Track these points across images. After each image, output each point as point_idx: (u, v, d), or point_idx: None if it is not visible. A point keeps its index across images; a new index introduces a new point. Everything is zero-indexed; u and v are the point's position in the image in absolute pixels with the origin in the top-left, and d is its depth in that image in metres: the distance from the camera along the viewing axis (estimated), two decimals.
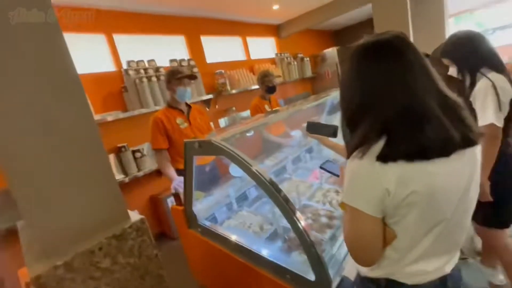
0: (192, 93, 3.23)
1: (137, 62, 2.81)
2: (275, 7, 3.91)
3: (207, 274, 1.62)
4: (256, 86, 3.40)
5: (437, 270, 0.69)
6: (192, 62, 3.32)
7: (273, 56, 4.85)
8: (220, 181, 1.98)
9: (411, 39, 3.54)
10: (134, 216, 0.60)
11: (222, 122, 3.81)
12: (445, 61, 1.38)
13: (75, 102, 0.51)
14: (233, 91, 3.74)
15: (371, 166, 0.61)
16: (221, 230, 1.38)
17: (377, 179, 0.60)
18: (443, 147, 0.60)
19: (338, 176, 1.25)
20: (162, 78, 2.84)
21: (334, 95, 2.20)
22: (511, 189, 1.29)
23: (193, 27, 3.56)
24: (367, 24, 4.31)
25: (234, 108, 3.84)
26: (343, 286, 0.99)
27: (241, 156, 1.09)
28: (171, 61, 3.13)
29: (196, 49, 3.61)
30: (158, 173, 2.97)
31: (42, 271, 0.46)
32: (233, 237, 1.30)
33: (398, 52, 0.62)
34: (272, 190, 1.02)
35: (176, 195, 1.59)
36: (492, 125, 1.16)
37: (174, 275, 2.22)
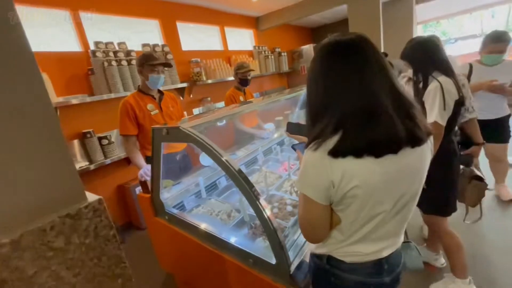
0: (165, 81, 3.14)
1: (106, 44, 2.66)
2: None
3: (173, 262, 1.62)
4: (233, 78, 3.39)
5: (374, 253, 0.76)
6: (166, 48, 3.21)
7: (251, 48, 4.84)
8: (190, 170, 1.97)
9: (382, 42, 3.75)
10: (92, 196, 0.60)
11: (196, 112, 3.76)
12: (405, 63, 1.49)
13: (22, 71, 0.49)
14: (209, 81, 3.69)
15: (322, 159, 0.65)
16: (189, 217, 1.39)
17: (325, 172, 0.65)
18: (391, 144, 0.63)
19: None
20: (134, 62, 2.72)
21: None
22: (451, 181, 1.45)
23: (169, 12, 3.43)
24: (344, 23, 4.44)
25: (209, 99, 3.79)
26: (301, 268, 1.05)
27: (209, 144, 1.10)
28: (144, 45, 3.00)
29: (171, 35, 3.48)
30: (127, 161, 2.87)
31: None
32: (200, 224, 1.31)
33: (358, 51, 0.65)
34: (238, 178, 1.05)
35: (143, 183, 1.56)
36: (436, 123, 1.29)
37: (141, 264, 2.20)
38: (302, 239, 1.20)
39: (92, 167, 2.47)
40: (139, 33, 3.20)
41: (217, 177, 1.81)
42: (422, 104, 1.35)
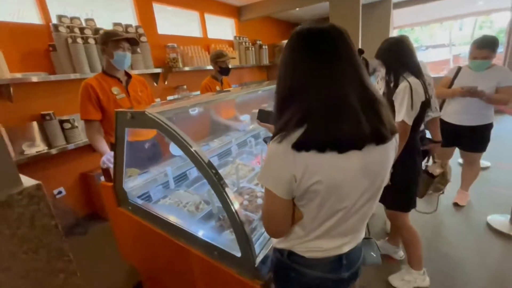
0: (137, 64, 2.96)
1: (71, 18, 2.43)
2: None
3: (136, 255, 1.55)
4: (211, 67, 3.28)
5: (334, 249, 0.76)
6: (140, 30, 3.01)
7: (232, 38, 4.73)
8: (159, 159, 1.88)
9: (360, 42, 3.83)
10: (28, 181, 0.53)
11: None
12: (379, 62, 1.52)
13: None
14: (186, 68, 3.55)
15: (285, 152, 0.63)
16: (154, 208, 1.32)
17: (287, 165, 0.63)
18: (354, 141, 0.62)
19: None
20: None
21: None
22: (413, 178, 1.52)
23: None
24: (326, 21, 4.49)
25: (185, 87, 3.65)
26: (266, 262, 1.05)
27: (177, 132, 1.04)
28: (115, 24, 2.79)
29: (146, 16, 3.28)
30: (92, 148, 2.68)
31: None
32: (166, 216, 1.25)
33: (330, 41, 0.63)
34: (207, 170, 1.01)
35: (105, 171, 1.46)
36: (403, 122, 1.34)
37: (104, 256, 2.08)
38: None
39: (53, 151, 2.28)
40: (111, 11, 2.97)
41: (187, 168, 1.75)
42: (392, 103, 1.39)
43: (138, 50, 2.94)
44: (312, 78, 0.63)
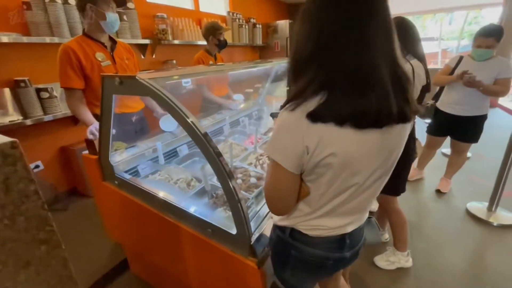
0: (123, 33, 2.75)
1: None
2: None
3: (122, 231, 1.48)
4: (203, 42, 3.10)
5: (339, 228, 0.74)
6: None
7: (225, 14, 4.49)
8: (148, 134, 1.78)
9: None
10: (1, 138, 0.44)
11: None
12: None
13: None
14: (175, 42, 3.35)
15: (298, 121, 0.57)
16: (143, 183, 1.25)
17: (299, 136, 0.58)
18: (379, 118, 0.57)
19: None
20: None
21: (282, 64, 2.19)
22: (405, 163, 1.52)
23: None
24: None
25: (174, 61, 3.46)
26: (260, 240, 1.02)
27: (172, 100, 0.96)
28: None
29: None
30: (74, 120, 2.52)
31: None
32: (156, 192, 1.19)
33: (368, 1, 0.54)
34: (205, 144, 0.94)
35: (90, 142, 1.35)
36: None
37: (86, 233, 2.00)
38: (264, 210, 1.17)
39: (28, 122, 2.10)
40: None
41: (177, 144, 1.66)
42: None
43: (125, 17, 2.72)
44: (340, 37, 0.55)
